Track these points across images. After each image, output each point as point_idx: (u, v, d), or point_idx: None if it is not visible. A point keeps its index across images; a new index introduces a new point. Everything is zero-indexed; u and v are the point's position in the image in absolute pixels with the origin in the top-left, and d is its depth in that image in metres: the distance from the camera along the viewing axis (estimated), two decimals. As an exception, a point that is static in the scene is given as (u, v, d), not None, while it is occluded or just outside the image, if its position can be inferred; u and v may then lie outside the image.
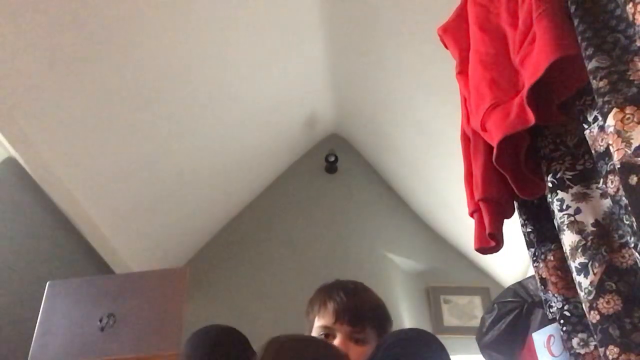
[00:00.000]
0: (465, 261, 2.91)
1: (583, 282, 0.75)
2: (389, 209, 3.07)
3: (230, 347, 0.95)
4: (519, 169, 0.93)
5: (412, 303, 2.76)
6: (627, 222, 0.68)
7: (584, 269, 0.76)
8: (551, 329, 1.00)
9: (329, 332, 1.07)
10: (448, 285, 2.82)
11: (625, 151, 0.64)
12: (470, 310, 2.73)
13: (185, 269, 2.29)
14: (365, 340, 1.06)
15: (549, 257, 0.93)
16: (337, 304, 1.08)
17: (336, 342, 1.04)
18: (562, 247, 0.83)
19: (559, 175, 0.86)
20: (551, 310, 0.93)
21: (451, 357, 0.92)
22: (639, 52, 0.68)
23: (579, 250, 0.78)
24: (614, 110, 0.66)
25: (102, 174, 1.99)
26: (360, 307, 1.08)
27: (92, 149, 1.89)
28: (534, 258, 0.97)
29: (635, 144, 0.63)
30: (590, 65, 0.71)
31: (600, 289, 0.73)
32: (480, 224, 1.00)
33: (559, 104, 0.87)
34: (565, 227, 0.81)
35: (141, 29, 1.76)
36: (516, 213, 1.03)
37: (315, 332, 1.10)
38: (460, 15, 1.16)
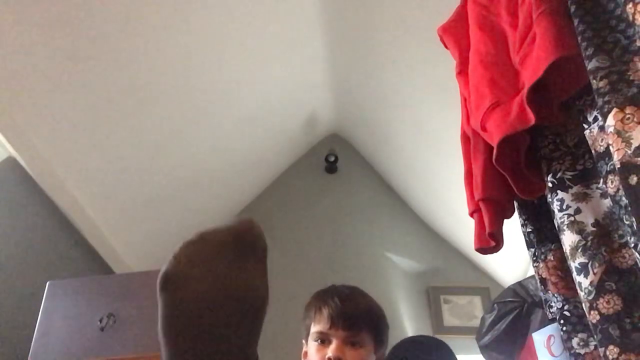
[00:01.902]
0: (465, 261, 2.90)
1: (583, 282, 0.75)
2: (388, 209, 3.07)
3: None
4: (519, 169, 0.93)
5: (412, 303, 2.76)
6: (627, 222, 0.68)
7: (584, 269, 0.76)
8: (551, 329, 1.00)
9: (324, 338, 1.08)
10: (448, 285, 2.82)
11: (625, 151, 0.64)
12: (470, 310, 2.73)
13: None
14: (362, 344, 1.08)
15: (549, 257, 0.93)
16: (332, 309, 1.09)
17: (332, 346, 1.05)
18: (562, 247, 0.83)
19: (559, 175, 0.86)
20: (551, 310, 0.93)
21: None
22: (639, 52, 0.68)
23: (579, 250, 0.78)
24: (614, 110, 0.66)
25: (102, 174, 1.98)
26: (354, 312, 1.09)
27: (92, 149, 1.89)
28: (534, 258, 0.97)
29: (635, 144, 0.63)
30: (590, 65, 0.71)
31: (600, 289, 0.73)
32: (480, 224, 1.00)
33: (559, 104, 0.87)
34: (565, 227, 0.81)
35: (141, 29, 1.76)
36: (516, 213, 1.03)
37: (311, 338, 1.11)
38: (460, 15, 1.16)
